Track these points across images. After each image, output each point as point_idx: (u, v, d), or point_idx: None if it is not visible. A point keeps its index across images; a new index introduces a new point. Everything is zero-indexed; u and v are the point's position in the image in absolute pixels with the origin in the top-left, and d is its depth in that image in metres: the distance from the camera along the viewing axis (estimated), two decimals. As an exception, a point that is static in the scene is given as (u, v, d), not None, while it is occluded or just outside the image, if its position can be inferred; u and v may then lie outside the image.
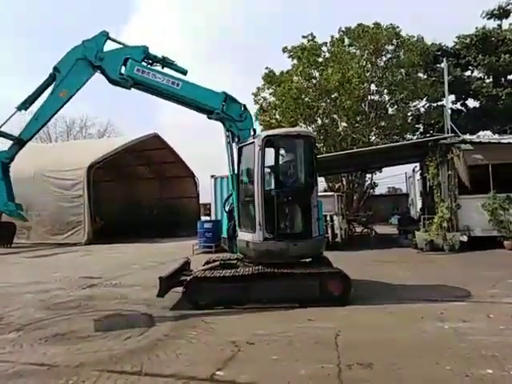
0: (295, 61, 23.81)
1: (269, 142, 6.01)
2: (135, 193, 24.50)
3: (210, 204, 16.25)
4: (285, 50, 24.02)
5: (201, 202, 24.29)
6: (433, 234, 11.19)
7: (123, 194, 24.47)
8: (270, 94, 25.04)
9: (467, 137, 12.82)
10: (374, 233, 14.92)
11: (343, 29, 23.69)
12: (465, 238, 10.99)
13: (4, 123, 5.71)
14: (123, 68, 5.99)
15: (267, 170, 6.14)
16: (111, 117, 71.90)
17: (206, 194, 21.38)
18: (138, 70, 6.00)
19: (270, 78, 24.57)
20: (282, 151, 6.30)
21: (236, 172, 6.46)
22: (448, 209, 11.37)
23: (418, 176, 19.05)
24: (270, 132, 6.55)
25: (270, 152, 6.23)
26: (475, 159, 11.48)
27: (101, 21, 62.33)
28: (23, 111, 5.80)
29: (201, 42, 73.02)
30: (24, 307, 6.19)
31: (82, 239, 17.03)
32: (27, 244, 16.87)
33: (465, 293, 6.07)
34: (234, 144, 6.51)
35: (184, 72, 6.43)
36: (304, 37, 23.42)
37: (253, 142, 6.11)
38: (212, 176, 14.42)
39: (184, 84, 6.21)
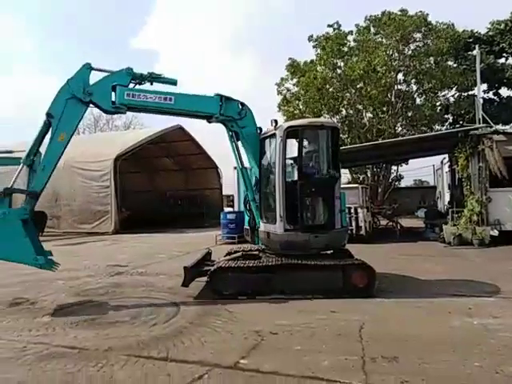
0: (319, 50, 23.42)
1: (291, 132, 5.97)
2: (160, 184, 24.94)
3: (232, 195, 16.35)
4: (310, 38, 23.66)
5: (224, 193, 24.48)
6: (461, 228, 10.87)
7: (148, 185, 24.97)
8: (294, 85, 24.78)
9: (500, 127, 12.33)
10: (400, 226, 14.61)
11: (369, 17, 23.09)
12: (495, 233, 10.63)
13: (15, 180, 5.62)
14: (113, 95, 5.80)
15: (289, 162, 6.10)
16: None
17: (228, 186, 21.56)
18: (128, 95, 5.82)
19: (293, 68, 24.28)
20: (304, 142, 6.25)
21: (245, 166, 6.57)
22: (478, 202, 10.99)
23: (446, 168, 18.45)
24: (293, 122, 6.52)
25: (293, 143, 6.22)
26: (508, 150, 11.02)
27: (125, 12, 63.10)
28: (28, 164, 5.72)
29: (226, 29, 72.87)
30: (55, 293, 6.45)
31: (110, 229, 17.51)
32: (57, 232, 17.49)
33: (494, 288, 5.89)
34: (239, 142, 6.51)
35: (174, 82, 6.25)
36: (329, 25, 22.98)
37: (274, 134, 6.08)
38: (235, 168, 14.45)
39: (177, 97, 6.07)
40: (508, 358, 3.49)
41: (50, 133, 5.70)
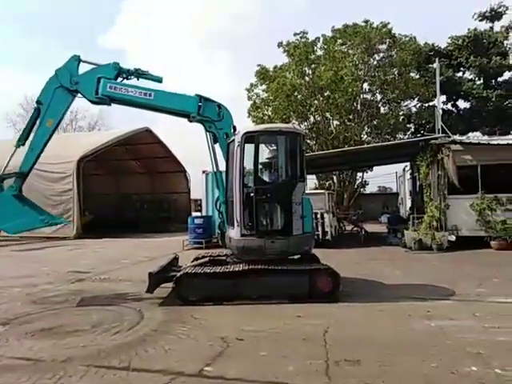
0: (288, 57, 23.79)
1: (249, 138, 5.97)
2: (125, 187, 24.34)
3: (200, 200, 16.21)
4: (280, 45, 23.98)
5: (192, 197, 24.22)
6: (421, 233, 11.31)
7: (113, 189, 24.30)
8: (263, 91, 25.00)
9: (457, 137, 12.99)
10: (364, 231, 15.02)
11: (335, 28, 23.71)
12: (453, 238, 11.12)
13: (8, 162, 6.13)
14: (99, 87, 6.17)
15: (249, 167, 6.11)
16: (102, 109, 71.03)
17: (196, 190, 21.36)
18: (111, 88, 6.21)
19: (262, 74, 24.52)
20: (263, 148, 6.29)
21: (221, 170, 6.56)
22: (437, 208, 11.49)
23: (408, 175, 19.21)
24: (250, 128, 6.49)
25: (263, 148, 6.25)
26: (464, 160, 11.61)
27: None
28: (21, 147, 6.21)
29: (199, 30, 72.53)
30: (11, 301, 6.12)
31: (71, 233, 16.84)
32: (15, 237, 16.60)
33: (452, 291, 6.16)
34: (216, 144, 6.54)
35: (159, 80, 6.53)
36: (296, 34, 23.41)
37: (234, 139, 6.11)
38: (203, 171, 14.37)
39: (156, 93, 6.31)
40: (463, 358, 3.66)
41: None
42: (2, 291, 6.77)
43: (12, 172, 6.15)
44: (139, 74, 6.39)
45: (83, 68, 6.34)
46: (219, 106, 6.42)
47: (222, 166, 6.75)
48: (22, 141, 6.19)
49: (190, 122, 6.49)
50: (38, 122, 6.21)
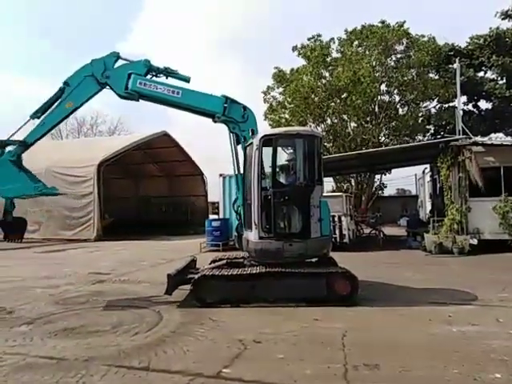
0: (304, 60, 23.77)
1: (267, 141, 5.99)
2: (144, 190, 24.73)
3: (218, 203, 16.32)
4: (294, 48, 23.99)
5: (209, 200, 24.40)
6: (442, 237, 11.09)
7: (132, 192, 24.72)
8: (280, 94, 25.03)
9: (479, 139, 12.70)
10: (383, 234, 14.81)
11: (350, 30, 23.56)
12: (474, 241, 10.87)
13: (17, 130, 6.45)
14: (129, 83, 6.34)
15: (268, 170, 6.11)
16: (122, 114, 72.38)
17: (214, 193, 21.52)
18: (141, 84, 6.36)
19: (279, 77, 24.55)
20: (282, 151, 6.30)
21: (242, 172, 6.55)
22: (458, 211, 11.25)
23: (427, 178, 18.86)
24: (269, 131, 6.52)
25: (279, 151, 6.26)
26: (487, 161, 11.34)
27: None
28: (36, 119, 6.45)
29: (214, 31, 73.27)
30: (34, 301, 6.28)
31: (92, 235, 17.22)
32: (38, 239, 17.11)
33: (473, 296, 6.01)
34: (239, 146, 6.58)
35: (187, 79, 6.70)
36: (310, 38, 23.39)
37: (252, 142, 6.14)
38: (221, 175, 14.48)
39: (184, 92, 6.44)
40: (485, 365, 3.57)
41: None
42: (25, 292, 6.96)
43: (16, 140, 6.38)
44: (168, 72, 6.60)
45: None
46: (244, 107, 6.49)
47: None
48: (38, 113, 6.37)
49: (215, 122, 6.57)
50: (58, 102, 6.38)
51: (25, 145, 6.31)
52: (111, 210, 20.13)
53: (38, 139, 6.41)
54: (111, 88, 6.43)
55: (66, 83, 6.34)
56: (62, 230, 17.91)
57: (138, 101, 6.55)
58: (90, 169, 17.82)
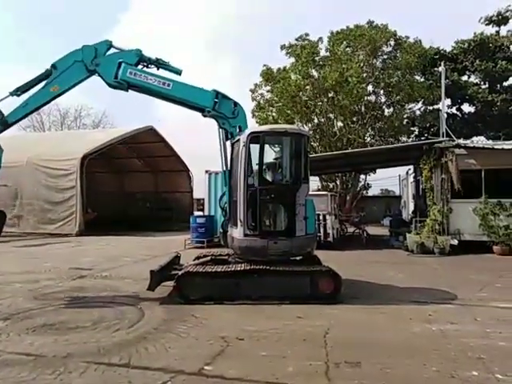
0: (292, 59, 23.79)
1: (254, 138, 5.97)
2: (129, 185, 24.39)
3: (203, 199, 16.22)
4: (283, 47, 23.98)
5: (194, 196, 24.25)
6: (424, 237, 11.28)
7: (116, 187, 24.36)
8: (268, 91, 25.01)
9: (461, 141, 12.91)
10: (366, 233, 14.98)
11: (337, 31, 23.69)
12: (455, 242, 11.08)
13: None
14: (119, 72, 6.19)
15: (255, 167, 6.09)
16: (107, 107, 71.14)
17: (199, 189, 21.38)
18: (131, 73, 6.24)
19: (267, 75, 24.52)
20: (269, 148, 6.30)
21: (229, 168, 6.50)
22: (440, 212, 11.45)
23: (411, 179, 19.16)
24: (256, 128, 6.48)
25: (267, 149, 6.26)
26: (468, 164, 11.57)
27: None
28: (15, 97, 6.11)
29: (200, 30, 72.75)
30: (12, 297, 6.14)
31: (74, 230, 16.89)
32: (17, 233, 16.71)
33: (453, 296, 6.14)
34: (228, 142, 6.54)
35: (178, 72, 6.58)
36: (297, 39, 23.44)
37: (239, 139, 6.12)
38: (206, 171, 14.38)
39: (175, 84, 6.36)
40: (463, 362, 3.65)
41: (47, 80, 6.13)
42: (3, 287, 6.79)
43: None
44: (160, 63, 6.48)
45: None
46: (235, 103, 6.44)
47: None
48: (19, 91, 6.10)
49: (204, 116, 6.50)
50: (44, 84, 6.16)
51: (5, 124, 6.06)
52: (95, 204, 19.77)
53: (19, 120, 6.27)
54: (100, 76, 6.28)
55: (53, 66, 6.13)
56: (42, 224, 17.52)
57: (127, 91, 6.42)
58: (73, 162, 17.45)
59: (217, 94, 6.38)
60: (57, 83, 6.13)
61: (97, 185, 21.54)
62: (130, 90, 6.41)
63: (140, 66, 6.40)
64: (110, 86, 6.37)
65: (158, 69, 6.49)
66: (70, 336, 4.34)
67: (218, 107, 6.34)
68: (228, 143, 6.57)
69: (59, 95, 6.25)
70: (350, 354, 3.82)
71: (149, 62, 6.44)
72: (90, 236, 16.12)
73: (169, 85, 6.31)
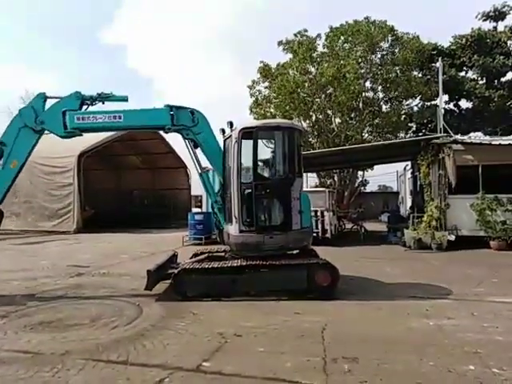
0: (290, 55, 23.72)
1: (246, 134, 5.95)
2: (126, 183, 24.35)
3: (201, 196, 16.21)
4: (280, 43, 23.90)
5: (192, 193, 24.22)
6: (421, 233, 11.30)
7: (114, 184, 24.31)
8: (266, 88, 24.95)
9: (459, 137, 12.92)
10: (364, 229, 15.01)
11: (335, 27, 23.61)
12: (452, 237, 11.11)
13: None
14: (67, 121, 6.05)
15: (248, 163, 6.06)
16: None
17: (197, 186, 21.34)
18: (79, 119, 6.12)
19: (265, 71, 24.45)
20: (262, 143, 6.28)
21: (205, 171, 6.71)
22: (437, 208, 11.47)
23: (408, 174, 19.19)
24: (247, 124, 6.39)
25: (261, 144, 6.24)
26: (466, 159, 11.58)
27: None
28: None
29: (199, 29, 72.38)
30: (10, 294, 6.13)
31: (71, 227, 16.88)
32: (15, 231, 16.66)
33: (450, 291, 6.16)
34: (197, 149, 6.50)
35: (125, 99, 6.44)
36: (296, 34, 23.34)
37: (231, 135, 6.10)
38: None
39: (126, 114, 6.24)
40: (459, 357, 3.66)
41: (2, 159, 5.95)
42: (1, 284, 6.78)
43: None
44: (103, 98, 6.32)
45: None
46: (192, 111, 6.30)
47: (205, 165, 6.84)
48: None
49: (166, 133, 6.47)
50: (1, 163, 6.01)
51: None
52: (92, 202, 19.74)
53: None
54: (50, 131, 6.17)
55: (1, 143, 6.00)
56: (40, 222, 17.49)
57: (81, 135, 6.38)
58: (70, 159, 17.40)
59: (171, 107, 6.24)
60: (13, 158, 5.98)
61: (94, 182, 21.48)
62: (84, 134, 6.37)
63: (84, 107, 6.26)
64: (62, 137, 6.31)
65: (103, 103, 6.36)
66: (68, 333, 4.34)
67: (176, 121, 6.20)
68: (199, 150, 6.52)
69: (22, 167, 6.11)
70: (347, 350, 3.83)
71: (92, 99, 6.27)
72: (88, 233, 16.10)
73: (120, 117, 6.17)
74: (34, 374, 3.36)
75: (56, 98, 6.23)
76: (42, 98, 6.15)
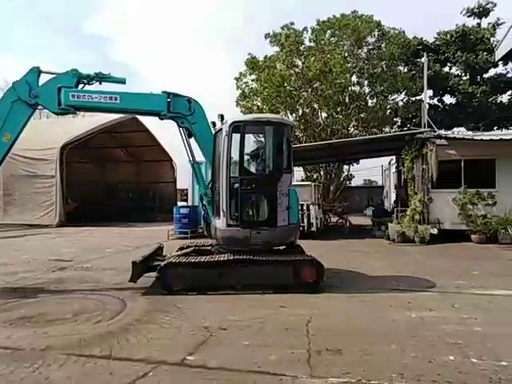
0: (277, 48, 23.63)
1: (236, 128, 5.91)
2: (111, 176, 23.99)
3: (186, 189, 16.10)
4: (267, 36, 23.77)
5: (178, 187, 24.03)
6: (405, 226, 11.48)
7: (98, 177, 23.93)
8: (253, 80, 24.83)
9: (442, 132, 13.12)
10: (349, 223, 15.17)
11: (322, 20, 23.59)
12: (435, 231, 11.32)
13: None
14: (61, 98, 5.91)
15: (236, 157, 6.02)
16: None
17: (183, 179, 21.17)
18: (74, 96, 5.97)
19: (252, 64, 24.31)
20: (251, 138, 6.26)
21: (197, 161, 6.62)
22: (420, 202, 11.65)
23: (393, 169, 19.42)
24: (238, 118, 6.36)
25: (251, 138, 6.22)
26: (449, 154, 11.78)
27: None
28: None
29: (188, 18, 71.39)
30: (-11, 289, 5.99)
31: (54, 221, 16.57)
32: (-5, 224, 16.28)
33: (432, 283, 6.28)
34: (191, 139, 6.45)
35: (122, 81, 6.34)
36: (283, 27, 23.23)
37: (221, 129, 6.05)
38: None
39: (122, 96, 6.14)
40: (440, 348, 3.74)
41: None
42: (-20, 279, 6.62)
43: None
44: (100, 77, 6.17)
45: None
46: (189, 100, 6.25)
47: (199, 159, 6.78)
48: None
49: (162, 119, 6.36)
50: None
51: None
52: (75, 195, 19.41)
53: None
54: (44, 107, 6.08)
55: None
56: (21, 215, 17.11)
57: (75, 114, 6.27)
58: (52, 151, 17.02)
59: (168, 94, 6.17)
60: (6, 131, 5.87)
61: (78, 175, 21.07)
62: (78, 112, 6.23)
63: (81, 86, 6.11)
64: (56, 113, 6.19)
65: (100, 83, 6.22)
66: (50, 328, 4.27)
67: (172, 108, 6.14)
68: (192, 139, 6.46)
69: (15, 140, 6.00)
70: (331, 342, 3.87)
71: (89, 79, 6.12)
72: (71, 227, 15.85)
73: (116, 98, 6.06)
74: (14, 370, 3.29)
75: (50, 73, 6.08)
76: (36, 72, 5.94)
